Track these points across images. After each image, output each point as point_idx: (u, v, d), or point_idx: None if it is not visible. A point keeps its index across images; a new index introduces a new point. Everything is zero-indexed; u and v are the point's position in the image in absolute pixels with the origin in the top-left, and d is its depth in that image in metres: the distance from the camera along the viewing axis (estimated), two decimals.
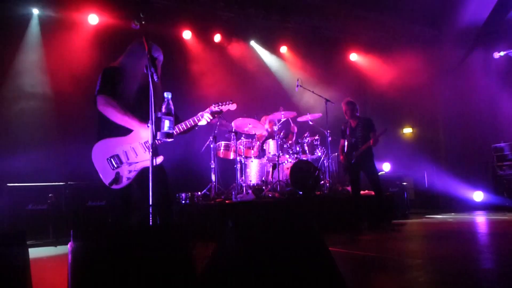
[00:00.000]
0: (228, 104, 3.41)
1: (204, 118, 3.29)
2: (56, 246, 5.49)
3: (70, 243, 1.82)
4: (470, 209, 8.55)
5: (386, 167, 8.91)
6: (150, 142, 2.68)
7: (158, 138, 2.78)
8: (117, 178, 3.03)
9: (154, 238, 2.04)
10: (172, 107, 2.83)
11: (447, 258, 3.66)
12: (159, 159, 3.12)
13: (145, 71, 2.95)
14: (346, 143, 6.38)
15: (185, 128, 3.23)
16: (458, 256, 3.72)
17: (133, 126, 3.07)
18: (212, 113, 3.34)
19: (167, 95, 2.84)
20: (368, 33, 9.90)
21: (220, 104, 3.38)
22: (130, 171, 3.06)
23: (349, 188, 6.68)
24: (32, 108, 6.73)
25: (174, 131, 2.94)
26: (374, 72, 10.41)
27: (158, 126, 2.77)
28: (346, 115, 6.42)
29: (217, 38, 8.75)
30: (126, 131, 3.11)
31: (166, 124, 2.79)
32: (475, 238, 5.05)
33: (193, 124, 3.26)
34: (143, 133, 3.07)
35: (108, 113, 3.05)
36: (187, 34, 8.45)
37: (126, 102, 3.10)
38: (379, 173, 8.27)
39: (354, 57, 10.52)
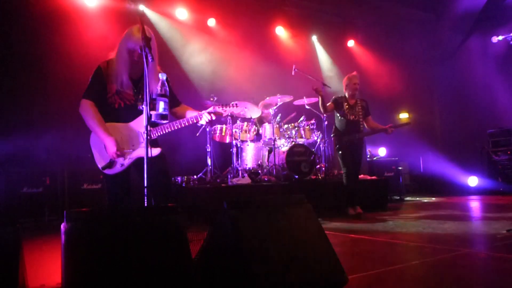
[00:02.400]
0: (232, 107, 3.35)
1: (204, 119, 3.22)
2: (51, 228, 5.50)
3: (63, 224, 1.81)
4: (464, 194, 8.61)
5: (381, 151, 8.91)
6: (144, 123, 2.64)
7: (153, 119, 2.75)
8: (111, 163, 3.02)
9: (148, 220, 2.03)
10: (167, 88, 2.79)
11: (441, 241, 3.69)
12: (156, 151, 3.04)
13: (140, 52, 2.89)
14: (340, 117, 5.89)
15: (185, 125, 3.18)
16: (452, 239, 3.75)
17: (100, 137, 2.99)
18: (214, 113, 3.25)
19: (162, 76, 2.80)
20: (365, 17, 9.80)
21: (224, 106, 3.30)
22: (125, 159, 3.04)
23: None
24: (29, 92, 6.62)
25: (173, 129, 3.05)
26: (371, 57, 10.35)
27: (153, 107, 2.74)
28: (354, 89, 5.87)
29: (211, 22, 8.64)
30: (129, 119, 3.08)
31: (161, 105, 2.76)
32: (469, 222, 5.08)
33: (193, 122, 3.21)
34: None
35: (85, 118, 3.04)
36: (182, 15, 8.31)
37: (120, 91, 3.06)
38: (374, 158, 8.33)
39: (351, 42, 10.42)
